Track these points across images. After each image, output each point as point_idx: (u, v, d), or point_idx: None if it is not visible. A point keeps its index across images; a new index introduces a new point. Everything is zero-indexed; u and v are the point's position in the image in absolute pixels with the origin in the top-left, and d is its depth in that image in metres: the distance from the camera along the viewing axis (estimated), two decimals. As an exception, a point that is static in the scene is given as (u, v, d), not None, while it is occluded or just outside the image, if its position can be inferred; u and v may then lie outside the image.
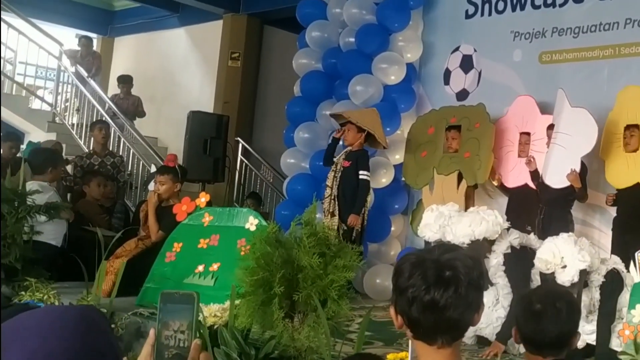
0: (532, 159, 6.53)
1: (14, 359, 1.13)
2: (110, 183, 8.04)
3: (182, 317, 1.55)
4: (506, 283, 4.86)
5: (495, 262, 4.91)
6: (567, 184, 6.18)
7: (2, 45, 11.70)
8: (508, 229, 5.06)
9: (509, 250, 4.92)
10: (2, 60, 10.65)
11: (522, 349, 4.55)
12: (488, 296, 4.90)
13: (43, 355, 1.15)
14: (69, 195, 8.27)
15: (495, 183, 6.99)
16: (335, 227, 6.47)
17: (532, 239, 5.05)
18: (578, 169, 6.13)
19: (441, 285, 1.75)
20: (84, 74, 11.11)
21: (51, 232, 6.16)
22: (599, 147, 6.30)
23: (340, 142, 7.09)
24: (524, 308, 2.59)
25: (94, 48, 13.95)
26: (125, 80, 11.11)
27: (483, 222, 4.88)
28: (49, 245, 6.16)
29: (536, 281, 4.78)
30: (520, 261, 4.88)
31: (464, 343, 4.95)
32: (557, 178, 6.27)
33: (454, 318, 1.77)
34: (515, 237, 4.96)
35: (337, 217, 6.66)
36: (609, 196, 6.21)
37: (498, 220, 4.97)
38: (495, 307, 4.85)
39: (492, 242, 4.96)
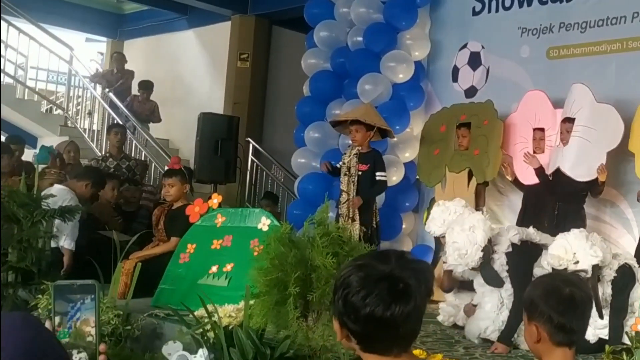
0: (532, 156, 6.53)
1: None
2: (132, 187, 8.14)
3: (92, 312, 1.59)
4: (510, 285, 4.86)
5: (498, 264, 4.86)
6: (592, 177, 6.19)
7: (13, 51, 11.86)
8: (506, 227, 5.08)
9: (510, 249, 4.88)
10: (2, 60, 10.72)
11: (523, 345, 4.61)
12: (492, 300, 4.90)
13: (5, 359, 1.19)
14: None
15: (509, 178, 6.97)
16: (357, 233, 6.43)
17: (531, 232, 5.01)
18: (604, 162, 6.16)
19: (398, 302, 1.72)
20: (116, 100, 11.19)
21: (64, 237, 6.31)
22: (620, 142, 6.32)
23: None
24: (554, 296, 2.36)
25: (103, 52, 14.09)
26: (146, 87, 11.21)
27: (476, 229, 4.77)
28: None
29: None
30: (522, 256, 4.88)
31: (473, 344, 4.95)
32: (582, 171, 6.28)
33: (411, 329, 1.77)
34: (514, 234, 4.93)
35: (357, 221, 6.55)
36: None
37: (484, 218, 4.92)
38: (500, 310, 4.85)
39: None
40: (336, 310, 1.80)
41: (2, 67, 11.17)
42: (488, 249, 4.80)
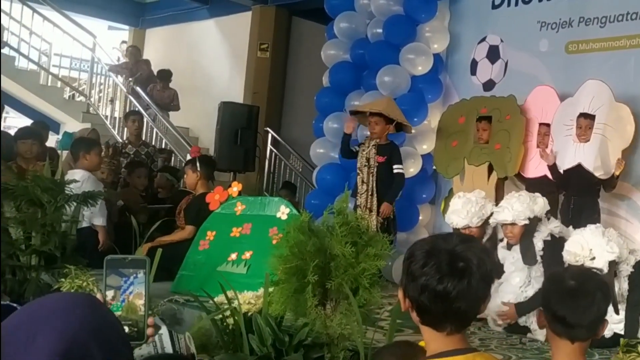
0: (548, 152, 6.57)
1: (43, 342, 1.26)
2: (166, 176, 8.25)
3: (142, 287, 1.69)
4: (540, 267, 4.96)
5: (535, 248, 5.03)
6: (610, 174, 6.24)
7: (38, 38, 11.97)
8: (549, 218, 5.18)
9: (549, 238, 5.01)
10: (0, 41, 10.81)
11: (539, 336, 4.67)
12: (521, 276, 4.99)
13: (70, 335, 1.28)
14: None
15: None
16: (375, 223, 6.52)
17: (570, 230, 5.09)
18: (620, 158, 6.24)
19: (454, 277, 1.79)
20: (138, 88, 11.26)
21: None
22: (635, 138, 6.37)
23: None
24: (555, 285, 2.45)
25: (126, 40, 14.16)
26: (162, 77, 11.31)
27: (538, 200, 5.06)
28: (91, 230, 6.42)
29: None
30: (557, 248, 4.93)
31: (492, 331, 5.03)
32: (603, 168, 6.31)
33: (464, 309, 1.82)
34: (556, 226, 5.08)
35: (375, 212, 6.67)
36: None
37: (546, 201, 5.16)
38: (526, 288, 4.94)
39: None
40: (401, 279, 1.90)
41: (1, 39, 11.21)
42: (535, 222, 5.03)
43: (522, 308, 4.85)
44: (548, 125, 6.80)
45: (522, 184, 7.05)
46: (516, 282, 5.00)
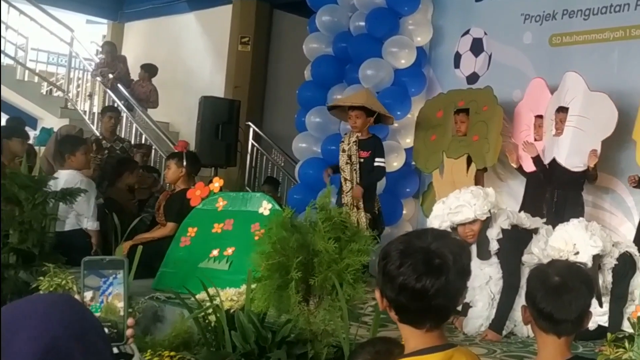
0: (530, 144, 6.52)
1: (21, 345, 1.21)
2: (145, 174, 8.14)
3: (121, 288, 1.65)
4: (499, 276, 4.79)
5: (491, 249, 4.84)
6: (585, 167, 6.19)
7: (14, 32, 11.84)
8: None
9: (501, 235, 4.80)
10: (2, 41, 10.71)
11: (528, 332, 4.62)
12: (483, 298, 4.83)
13: (49, 337, 1.23)
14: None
15: (514, 165, 6.97)
16: (364, 221, 6.46)
17: (522, 217, 4.94)
18: (599, 150, 6.15)
19: (431, 274, 1.79)
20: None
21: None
22: (618, 130, 6.28)
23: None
24: (540, 282, 2.43)
25: (105, 34, 14.04)
26: (148, 70, 11.20)
27: (488, 191, 4.89)
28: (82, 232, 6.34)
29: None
30: (512, 242, 4.80)
31: (468, 343, 4.93)
32: (577, 161, 6.27)
33: (443, 305, 1.83)
34: (504, 219, 4.83)
35: (362, 209, 6.59)
36: (631, 177, 6.12)
37: (492, 190, 4.98)
38: (492, 307, 4.77)
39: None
40: (378, 279, 1.89)
41: (2, 49, 11.14)
42: (492, 216, 4.82)
43: (497, 323, 4.71)
44: (542, 117, 6.76)
45: (524, 177, 7.00)
46: (481, 305, 4.84)
